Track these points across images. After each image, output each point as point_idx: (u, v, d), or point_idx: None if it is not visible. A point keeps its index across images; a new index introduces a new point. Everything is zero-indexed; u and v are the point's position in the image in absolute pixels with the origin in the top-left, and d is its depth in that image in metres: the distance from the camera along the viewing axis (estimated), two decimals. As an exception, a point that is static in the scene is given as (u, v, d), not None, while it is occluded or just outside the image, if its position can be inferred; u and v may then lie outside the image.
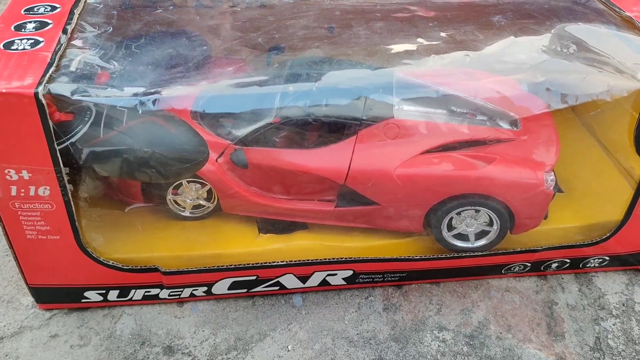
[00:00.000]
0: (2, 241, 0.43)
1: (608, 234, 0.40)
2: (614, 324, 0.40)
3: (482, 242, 0.40)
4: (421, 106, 0.38)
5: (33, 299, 0.39)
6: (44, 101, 0.29)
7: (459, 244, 0.39)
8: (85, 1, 0.38)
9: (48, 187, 0.32)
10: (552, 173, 0.38)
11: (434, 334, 0.39)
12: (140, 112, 0.32)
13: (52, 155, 0.31)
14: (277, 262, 0.38)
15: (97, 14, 0.37)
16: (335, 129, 0.37)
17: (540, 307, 0.41)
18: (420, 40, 0.38)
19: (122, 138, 0.34)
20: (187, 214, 0.40)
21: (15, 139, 0.31)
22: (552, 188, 0.37)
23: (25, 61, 0.31)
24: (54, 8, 0.36)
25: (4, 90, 0.29)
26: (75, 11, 0.36)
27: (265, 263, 0.38)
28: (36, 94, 0.29)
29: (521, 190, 0.37)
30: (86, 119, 0.33)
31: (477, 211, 0.38)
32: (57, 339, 0.38)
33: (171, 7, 0.40)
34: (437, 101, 0.38)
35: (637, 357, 0.38)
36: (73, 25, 0.35)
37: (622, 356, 0.38)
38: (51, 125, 0.30)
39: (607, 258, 0.42)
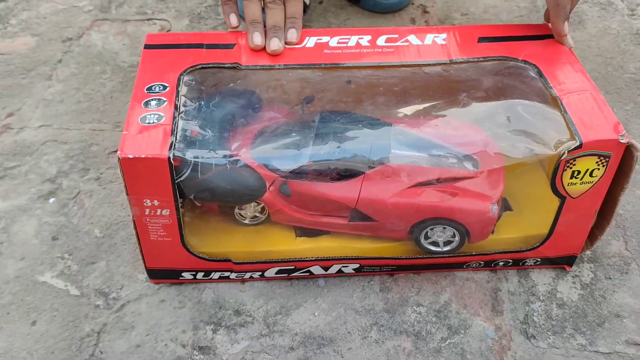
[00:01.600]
0: (121, 234, 0.63)
1: (539, 243, 0.58)
2: (539, 306, 0.58)
3: (448, 248, 0.57)
4: (409, 151, 0.55)
5: (147, 276, 0.58)
6: (172, 161, 0.48)
7: (432, 248, 0.57)
8: (182, 80, 0.56)
9: (168, 210, 0.51)
10: (496, 204, 0.55)
11: (413, 308, 0.57)
12: (228, 167, 0.50)
13: (172, 190, 0.50)
14: (308, 257, 0.57)
15: (192, 90, 0.55)
16: (351, 171, 0.54)
17: (489, 292, 0.59)
18: (407, 109, 0.56)
19: (210, 179, 0.52)
20: (247, 222, 0.58)
21: (152, 182, 0.49)
22: (495, 214, 0.55)
23: (156, 133, 0.49)
24: (165, 87, 0.54)
25: (150, 156, 0.48)
26: (179, 89, 0.54)
27: (300, 258, 0.57)
28: (168, 157, 0.48)
29: (474, 216, 0.54)
30: (188, 166, 0.51)
31: (444, 227, 0.56)
32: (165, 303, 0.57)
33: (239, 81, 0.58)
34: (421, 147, 0.55)
35: (552, 329, 0.56)
36: (179, 101, 0.53)
37: (541, 328, 0.56)
38: (173, 171, 0.49)
39: (539, 259, 0.59)
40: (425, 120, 0.57)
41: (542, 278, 0.60)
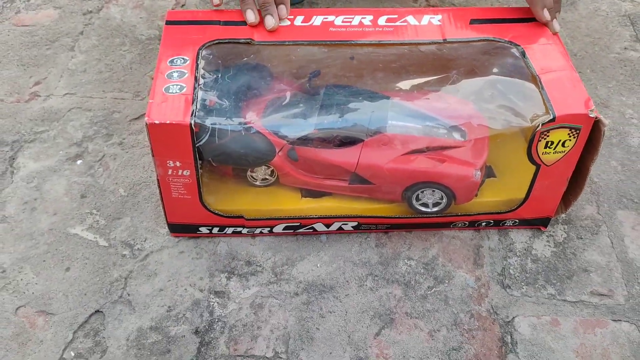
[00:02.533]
0: (143, 193, 0.70)
1: (517, 206, 0.64)
2: (515, 261, 0.65)
3: (436, 209, 0.64)
4: (404, 121, 0.62)
5: (168, 230, 0.66)
6: (193, 127, 0.55)
7: (423, 209, 0.64)
8: (201, 54, 0.62)
9: (188, 170, 0.58)
10: (479, 170, 0.61)
11: (404, 262, 0.65)
12: (242, 133, 0.57)
13: (193, 153, 0.56)
14: (312, 215, 0.64)
15: (210, 64, 0.61)
16: (351, 138, 0.60)
17: (472, 248, 0.66)
18: (403, 84, 0.62)
19: (226, 143, 0.59)
20: (258, 183, 0.65)
21: (175, 146, 0.55)
22: (478, 179, 0.61)
23: (179, 102, 0.55)
24: (185, 60, 0.59)
25: (174, 122, 0.54)
26: (198, 62, 0.60)
27: (305, 216, 0.64)
28: (190, 124, 0.54)
29: (459, 180, 0.61)
30: (206, 131, 0.57)
31: (434, 190, 0.63)
32: (184, 254, 0.65)
33: (252, 55, 0.64)
34: (415, 118, 0.61)
35: (526, 280, 0.63)
36: (198, 73, 0.58)
37: (516, 279, 0.63)
38: (194, 137, 0.55)
39: (517, 220, 0.66)
40: (419, 94, 0.63)
41: (519, 237, 0.67)
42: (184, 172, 0.58)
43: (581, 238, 0.67)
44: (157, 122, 0.54)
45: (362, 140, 0.60)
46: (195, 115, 0.55)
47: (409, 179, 0.62)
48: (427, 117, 0.62)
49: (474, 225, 0.66)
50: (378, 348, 0.58)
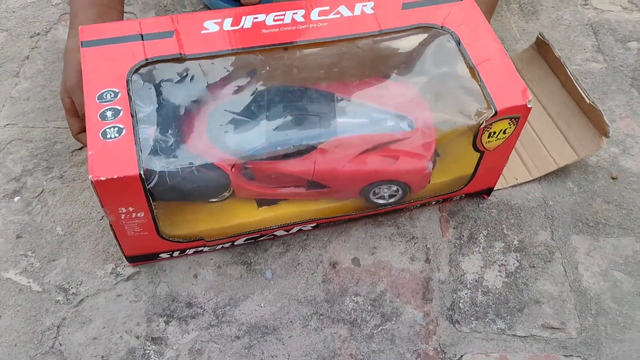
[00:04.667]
0: (82, 231, 0.67)
1: (464, 184, 0.66)
2: (466, 293, 0.63)
3: (393, 200, 0.64)
4: (353, 118, 0.60)
5: (105, 272, 0.63)
6: (142, 175, 0.50)
7: (380, 201, 0.64)
8: (131, 82, 0.55)
9: (142, 212, 0.54)
10: (431, 161, 0.60)
11: (351, 298, 0.62)
12: (195, 172, 0.54)
13: (145, 197, 0.53)
14: (272, 225, 0.63)
15: (143, 92, 0.55)
16: (305, 147, 0.58)
17: (421, 282, 0.64)
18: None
19: (177, 184, 0.54)
20: (214, 200, 0.61)
21: (126, 195, 0.52)
22: (431, 170, 0.61)
23: (121, 149, 0.51)
24: (115, 94, 0.54)
25: (122, 176, 0.50)
26: (130, 94, 0.54)
27: (265, 227, 0.62)
28: (139, 174, 0.50)
29: (414, 175, 0.61)
30: (155, 175, 0.53)
31: (390, 185, 0.62)
32: (121, 297, 0.62)
33: (185, 73, 0.59)
34: (362, 113, 0.60)
35: (476, 315, 0.61)
36: (133, 107, 0.53)
37: (465, 314, 0.61)
38: (145, 184, 0.51)
39: (463, 195, 0.68)
40: (362, 84, 0.63)
41: (470, 267, 0.65)
42: (138, 215, 0.55)
43: (534, 267, 0.65)
44: (103, 178, 0.50)
45: (315, 148, 0.58)
46: (141, 161, 0.51)
47: (366, 179, 0.61)
48: (374, 109, 0.61)
49: (425, 205, 0.68)
50: (321, 393, 0.56)
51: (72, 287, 0.62)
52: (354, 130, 0.59)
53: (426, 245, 0.66)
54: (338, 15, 0.63)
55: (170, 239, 0.60)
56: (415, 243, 0.67)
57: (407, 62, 0.63)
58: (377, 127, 0.59)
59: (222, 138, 0.57)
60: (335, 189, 0.62)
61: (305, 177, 0.60)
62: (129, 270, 0.64)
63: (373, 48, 0.63)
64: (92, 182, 0.50)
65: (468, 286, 0.63)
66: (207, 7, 0.99)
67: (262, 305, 0.62)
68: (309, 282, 0.63)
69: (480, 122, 0.57)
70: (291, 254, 0.66)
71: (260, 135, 0.57)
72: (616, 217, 0.69)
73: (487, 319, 0.61)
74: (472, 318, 0.61)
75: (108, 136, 0.52)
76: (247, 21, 0.61)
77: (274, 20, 0.62)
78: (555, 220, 0.69)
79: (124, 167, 0.50)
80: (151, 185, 0.53)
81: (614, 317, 0.61)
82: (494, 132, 0.59)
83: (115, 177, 0.50)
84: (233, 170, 0.57)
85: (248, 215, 0.63)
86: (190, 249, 0.63)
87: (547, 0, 1.01)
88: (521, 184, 0.72)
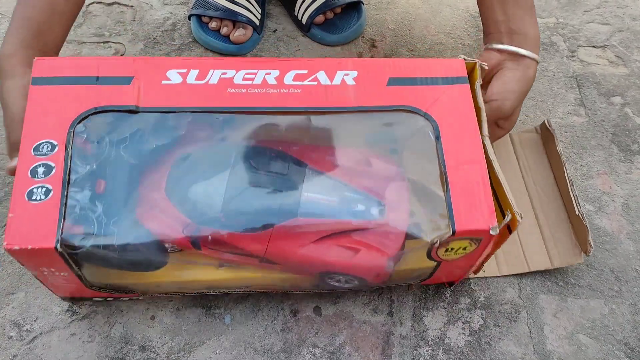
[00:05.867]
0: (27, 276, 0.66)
1: (423, 279, 0.62)
2: (426, 351, 0.61)
3: (349, 286, 0.60)
4: (320, 194, 0.56)
5: (61, 309, 0.62)
6: (60, 249, 0.47)
7: (336, 284, 0.60)
8: (73, 134, 0.49)
9: (66, 272, 0.51)
10: (392, 260, 0.56)
11: (309, 349, 0.61)
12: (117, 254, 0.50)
13: (67, 265, 0.49)
14: (230, 286, 0.60)
15: (84, 147, 0.50)
16: (260, 226, 0.54)
17: (382, 335, 0.62)
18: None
19: (106, 256, 0.51)
20: (147, 271, 0.57)
21: (45, 261, 0.49)
22: (391, 270, 0.56)
23: (44, 215, 0.46)
24: (53, 146, 0.49)
25: (37, 247, 0.46)
26: (68, 150, 0.48)
27: (221, 289, 0.60)
28: (56, 247, 0.46)
29: (372, 271, 0.56)
30: (80, 249, 0.49)
31: (345, 276, 0.58)
32: (75, 337, 0.61)
33: (136, 129, 0.54)
34: (332, 190, 0.56)
35: (436, 373, 0.60)
36: (69, 166, 0.48)
37: (425, 372, 0.60)
38: (63, 252, 0.47)
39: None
40: (341, 154, 0.58)
41: (434, 323, 0.63)
42: (62, 274, 0.52)
43: (498, 325, 0.64)
44: (17, 247, 0.46)
45: (272, 226, 0.54)
46: (62, 232, 0.47)
47: (320, 267, 0.57)
48: (345, 187, 0.57)
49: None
50: None
51: (26, 323, 0.61)
52: (318, 209, 0.55)
53: (391, 297, 0.65)
54: (315, 82, 0.57)
55: (101, 289, 0.57)
56: (379, 294, 0.66)
57: (381, 156, 0.59)
58: (345, 209, 0.55)
59: (180, 195, 0.53)
60: (285, 267, 0.58)
61: (257, 254, 0.56)
62: (86, 309, 0.63)
63: (337, 130, 0.58)
64: (5, 249, 0.46)
65: (429, 343, 0.62)
66: (196, 42, 1.00)
67: (217, 352, 0.60)
68: (267, 330, 0.62)
69: (434, 240, 0.52)
70: (253, 299, 0.65)
71: (216, 206, 0.53)
72: (586, 278, 0.68)
73: (446, 379, 0.59)
74: (431, 377, 0.59)
75: (33, 197, 0.47)
76: (214, 76, 0.56)
77: (243, 79, 0.56)
78: (524, 278, 0.68)
79: (41, 238, 0.46)
80: (73, 256, 0.49)
81: (576, 383, 0.60)
82: (452, 248, 0.54)
83: (29, 247, 0.46)
84: (184, 232, 0.52)
85: (206, 274, 0.58)
86: (125, 297, 0.61)
87: (534, 51, 1.02)
88: (488, 277, 0.68)
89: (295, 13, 1.01)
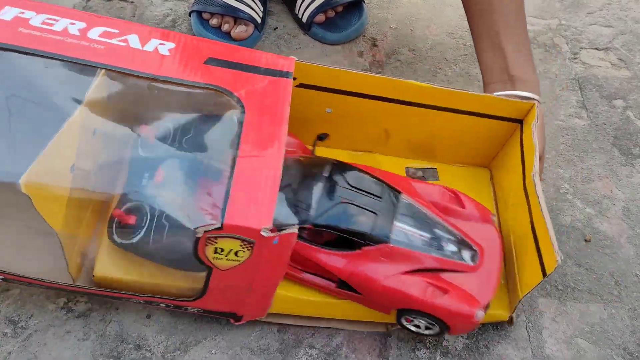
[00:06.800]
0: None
1: (195, 297, 0.54)
2: (424, 353, 0.61)
3: (429, 332, 0.58)
4: (412, 228, 0.56)
5: (56, 306, 0.62)
6: None
7: (412, 328, 0.58)
8: None
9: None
10: (483, 309, 0.54)
11: (305, 350, 0.60)
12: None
13: None
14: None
15: None
16: (348, 241, 0.54)
17: (379, 337, 0.62)
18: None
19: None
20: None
21: None
22: (479, 320, 0.54)
23: None
24: None
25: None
26: None
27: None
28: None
29: (459, 318, 0.54)
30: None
31: (427, 319, 0.56)
32: (69, 334, 0.60)
33: None
34: (424, 226, 0.56)
35: (433, 376, 0.59)
36: None
37: (422, 375, 0.59)
38: None
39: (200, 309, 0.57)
40: (437, 193, 0.60)
41: (432, 326, 0.63)
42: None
43: (497, 328, 0.63)
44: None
45: (361, 247, 0.54)
46: None
47: (402, 302, 0.55)
48: (438, 225, 0.57)
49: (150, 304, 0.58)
50: None
51: (21, 320, 0.61)
52: (409, 241, 0.54)
53: (389, 299, 0.65)
54: (123, 44, 0.51)
55: None
56: (377, 296, 0.65)
57: (184, 126, 0.53)
58: (435, 247, 0.55)
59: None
60: (366, 297, 0.56)
61: (338, 275, 0.55)
62: (82, 306, 0.62)
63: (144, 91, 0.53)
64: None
65: (427, 345, 0.61)
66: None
67: (213, 352, 0.60)
68: (264, 330, 0.62)
69: (198, 231, 0.46)
70: (250, 299, 0.64)
71: (307, 216, 0.53)
72: (586, 282, 0.68)
73: (443, 382, 0.59)
74: (428, 380, 0.59)
75: None
76: (10, 13, 0.50)
77: (42, 23, 0.50)
78: (523, 281, 0.67)
79: None
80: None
81: (575, 388, 0.59)
82: (222, 249, 0.47)
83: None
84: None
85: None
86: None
87: (535, 52, 1.01)
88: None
89: (296, 11, 1.00)
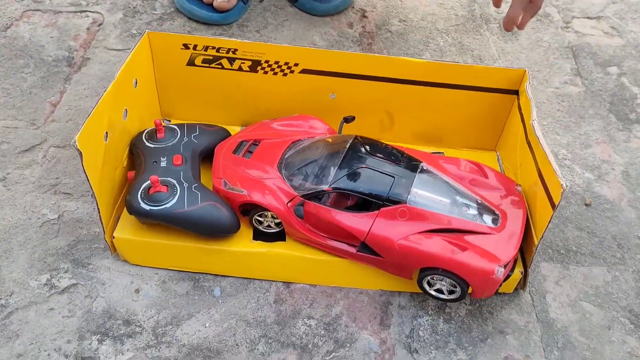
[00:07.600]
0: (18, 238, 0.62)
1: None
2: (426, 320, 0.59)
3: (453, 297, 0.56)
4: (431, 193, 0.56)
5: (39, 283, 0.58)
6: None
7: (435, 294, 0.57)
8: None
9: None
10: (503, 267, 0.52)
11: (304, 321, 0.58)
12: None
13: None
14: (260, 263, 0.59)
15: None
16: (367, 203, 0.56)
17: (380, 306, 0.60)
18: None
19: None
20: (261, 228, 0.60)
21: None
22: (500, 277, 0.52)
23: None
24: None
25: None
26: None
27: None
28: None
29: (478, 275, 0.52)
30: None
31: (447, 279, 0.54)
32: (53, 311, 0.57)
33: None
34: (444, 191, 0.56)
35: (436, 344, 0.57)
36: None
37: (425, 342, 0.57)
38: None
39: None
40: (454, 161, 0.62)
41: (434, 293, 0.61)
42: None
43: (500, 294, 0.61)
44: None
45: (379, 208, 0.55)
46: None
47: (422, 261, 0.54)
48: (458, 191, 0.57)
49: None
50: None
51: (1, 298, 0.57)
52: (428, 203, 0.55)
53: (388, 267, 0.62)
54: None
55: None
56: (376, 264, 0.63)
57: None
58: (455, 210, 0.55)
59: (290, 173, 0.58)
60: (386, 260, 0.56)
61: (358, 236, 0.55)
62: (65, 282, 0.59)
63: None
64: None
65: (429, 312, 0.59)
66: (179, 11, 0.95)
67: (207, 325, 0.57)
68: (260, 302, 0.59)
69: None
70: (244, 271, 0.61)
71: (326, 181, 0.56)
72: (588, 245, 0.66)
73: (448, 349, 0.57)
74: (432, 347, 0.57)
75: None
76: None
77: None
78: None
79: None
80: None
81: (581, 351, 0.57)
82: None
83: None
84: (289, 205, 0.57)
85: (239, 244, 0.59)
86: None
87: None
88: None
89: (283, -20, 0.97)
